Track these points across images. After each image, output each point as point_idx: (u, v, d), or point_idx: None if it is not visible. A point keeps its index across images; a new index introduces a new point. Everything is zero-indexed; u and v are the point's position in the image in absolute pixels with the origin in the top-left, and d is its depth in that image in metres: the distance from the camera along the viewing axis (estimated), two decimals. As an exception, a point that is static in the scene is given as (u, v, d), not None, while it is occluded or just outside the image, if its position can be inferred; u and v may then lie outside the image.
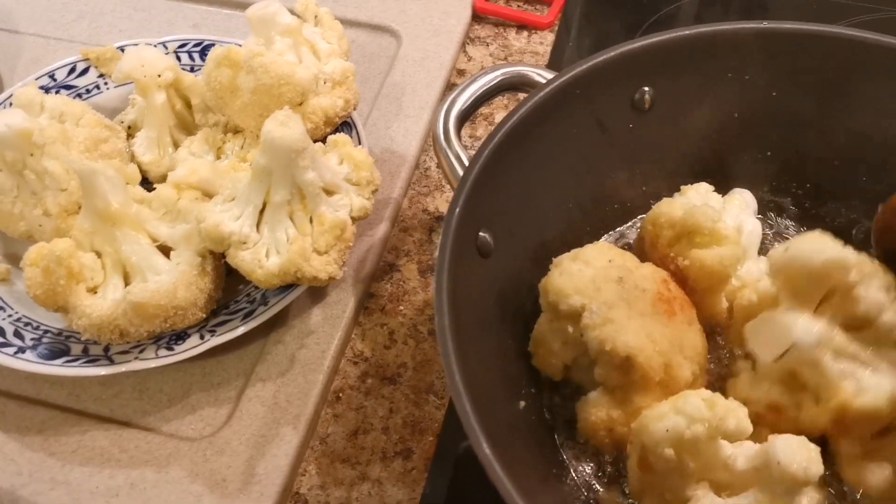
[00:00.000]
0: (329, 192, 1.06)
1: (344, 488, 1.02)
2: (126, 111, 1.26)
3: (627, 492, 0.92)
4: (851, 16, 1.47)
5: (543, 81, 1.03)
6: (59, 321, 1.06)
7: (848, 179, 1.11)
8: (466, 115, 1.05)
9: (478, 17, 1.53)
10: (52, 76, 1.27)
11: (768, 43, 1.06)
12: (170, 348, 1.03)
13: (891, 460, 0.88)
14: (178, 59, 1.29)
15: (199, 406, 1.06)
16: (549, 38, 1.49)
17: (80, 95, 1.27)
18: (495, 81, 1.07)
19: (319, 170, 1.03)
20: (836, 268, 0.85)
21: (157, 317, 0.99)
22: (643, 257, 1.01)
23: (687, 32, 1.05)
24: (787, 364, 0.88)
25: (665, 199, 1.02)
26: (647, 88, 1.06)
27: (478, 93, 1.06)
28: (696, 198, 1.05)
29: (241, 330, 1.04)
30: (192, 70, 1.28)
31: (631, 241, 1.12)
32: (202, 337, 1.04)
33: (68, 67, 1.29)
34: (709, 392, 0.84)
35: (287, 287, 1.07)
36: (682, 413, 0.81)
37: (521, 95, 1.04)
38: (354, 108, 1.20)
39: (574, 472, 0.95)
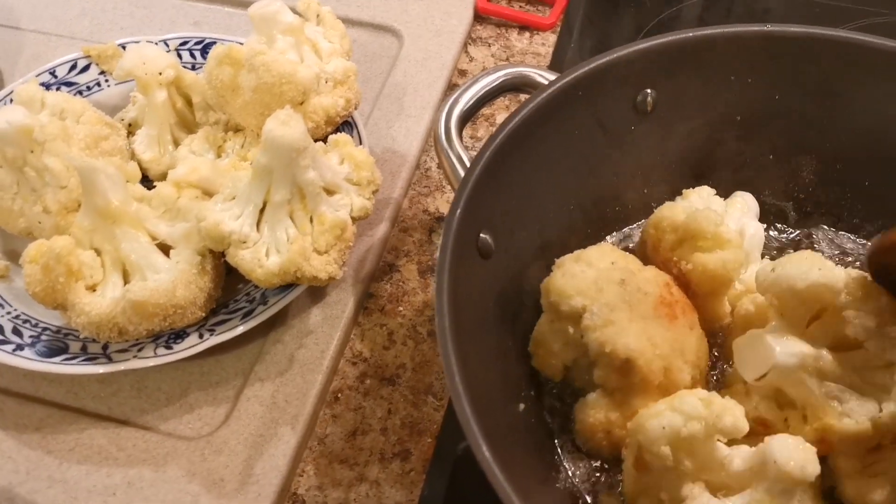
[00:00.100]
0: (329, 192, 1.06)
1: (342, 489, 1.01)
2: (127, 109, 1.26)
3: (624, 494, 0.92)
4: (854, 19, 1.46)
5: (545, 83, 1.03)
6: (57, 319, 1.06)
7: (850, 183, 1.11)
8: (468, 116, 1.05)
9: (480, 17, 1.53)
10: (52, 73, 1.27)
11: (771, 46, 1.05)
12: (168, 347, 1.03)
13: (889, 475, 0.87)
14: (180, 56, 1.29)
15: (197, 405, 1.06)
16: (550, 39, 1.49)
17: (80, 92, 1.26)
18: (497, 82, 1.07)
19: (320, 169, 1.03)
20: (823, 291, 0.85)
21: (156, 315, 0.99)
22: (646, 261, 1.00)
23: (689, 35, 1.04)
24: (773, 383, 0.88)
25: (667, 203, 1.02)
26: (649, 91, 1.06)
27: (480, 94, 1.06)
28: (699, 201, 1.05)
29: (240, 329, 1.04)
30: (193, 68, 1.28)
31: (633, 244, 1.11)
32: (201, 336, 1.04)
33: (69, 64, 1.28)
34: (705, 391, 0.84)
35: (286, 287, 1.06)
36: (678, 411, 0.81)
37: (523, 96, 1.04)
38: (356, 108, 1.20)
39: (572, 474, 0.95)
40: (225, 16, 1.50)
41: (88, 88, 1.27)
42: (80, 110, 1.15)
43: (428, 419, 1.07)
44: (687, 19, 1.52)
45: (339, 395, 1.09)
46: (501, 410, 0.92)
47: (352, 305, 1.14)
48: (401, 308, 1.16)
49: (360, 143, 1.18)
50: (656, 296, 0.94)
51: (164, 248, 1.05)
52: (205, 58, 1.28)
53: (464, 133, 1.04)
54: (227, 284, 1.09)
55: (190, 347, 1.03)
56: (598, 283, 0.93)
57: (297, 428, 1.03)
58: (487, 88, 1.06)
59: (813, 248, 1.11)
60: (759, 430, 0.88)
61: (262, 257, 1.01)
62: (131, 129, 1.24)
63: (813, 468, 0.78)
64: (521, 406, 0.96)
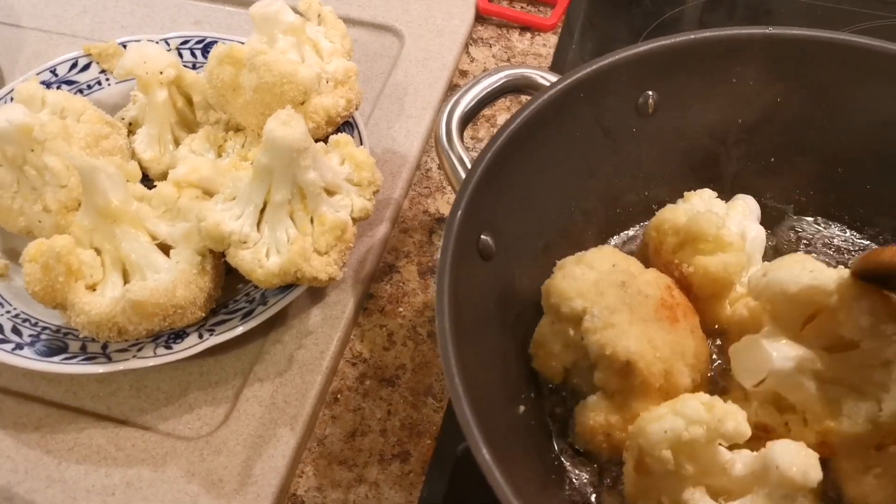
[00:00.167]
0: (330, 193, 1.06)
1: (341, 490, 1.01)
2: (127, 108, 1.26)
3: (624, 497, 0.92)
4: (856, 22, 1.46)
5: (547, 84, 1.03)
6: (57, 318, 1.06)
7: (851, 186, 1.11)
8: (469, 118, 1.05)
9: (481, 17, 1.52)
10: (53, 71, 1.27)
11: (772, 48, 1.05)
12: (168, 347, 1.03)
13: (892, 474, 0.87)
14: (181, 55, 1.29)
15: (196, 405, 1.05)
16: (552, 40, 1.49)
17: (81, 91, 1.26)
18: (499, 83, 1.06)
19: (321, 170, 1.03)
20: (815, 294, 0.85)
21: (156, 315, 0.99)
22: (647, 263, 1.00)
23: (692, 37, 1.04)
24: (771, 388, 0.88)
25: (669, 206, 1.02)
26: (650, 93, 1.06)
27: (481, 95, 1.05)
28: (700, 204, 1.05)
29: (239, 330, 1.04)
30: (193, 67, 1.28)
31: (634, 246, 1.11)
32: (201, 336, 1.04)
33: (70, 63, 1.28)
34: (707, 395, 0.84)
35: (286, 287, 1.06)
36: (680, 415, 0.81)
37: (524, 98, 1.04)
38: (356, 108, 1.19)
39: (572, 477, 0.95)
40: (226, 15, 1.50)
41: (89, 87, 1.27)
42: (80, 109, 1.15)
43: (427, 420, 1.06)
44: (688, 21, 1.52)
45: (339, 395, 1.09)
46: (501, 412, 0.92)
47: (352, 306, 1.14)
48: (401, 309, 1.16)
49: (361, 144, 1.18)
50: (657, 298, 0.94)
51: (165, 248, 1.04)
52: (206, 57, 1.27)
53: (465, 134, 1.04)
54: (227, 284, 1.09)
55: (189, 347, 1.03)
56: (599, 286, 0.93)
57: (297, 429, 1.03)
58: (489, 90, 1.06)
59: (814, 251, 1.11)
60: (760, 436, 0.88)
61: (263, 258, 1.01)
62: (132, 128, 1.23)
63: (815, 474, 0.78)
64: (522, 408, 0.95)
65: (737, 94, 1.08)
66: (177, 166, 1.13)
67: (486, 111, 1.35)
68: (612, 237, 1.12)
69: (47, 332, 1.05)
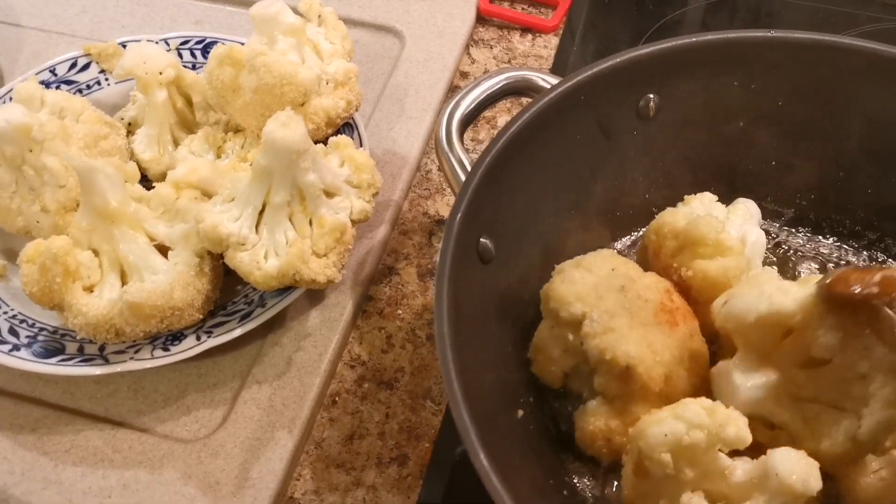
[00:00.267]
0: (329, 195, 1.05)
1: (338, 494, 1.01)
2: (127, 108, 1.25)
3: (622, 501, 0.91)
4: (858, 25, 1.46)
5: (548, 86, 1.02)
6: (54, 319, 1.05)
7: (852, 190, 1.11)
8: (469, 120, 1.05)
9: (482, 19, 1.52)
10: (52, 71, 1.27)
11: (774, 52, 1.05)
12: (166, 349, 1.02)
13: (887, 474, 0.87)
14: (180, 56, 1.29)
15: (194, 407, 1.05)
16: (553, 41, 1.48)
17: (80, 91, 1.26)
18: (499, 86, 1.06)
19: (320, 171, 1.03)
20: (777, 318, 0.84)
21: (154, 317, 0.99)
22: (646, 267, 1.00)
23: (693, 40, 1.04)
24: (751, 411, 0.87)
25: (669, 209, 1.02)
26: (651, 95, 1.06)
27: (481, 97, 1.05)
28: (700, 207, 1.05)
29: (237, 332, 1.04)
30: (193, 67, 1.27)
31: (634, 250, 1.11)
32: (198, 338, 1.03)
33: (69, 62, 1.28)
34: (709, 400, 0.84)
35: (285, 289, 1.06)
36: (681, 419, 0.81)
37: (525, 99, 1.04)
38: (356, 110, 1.19)
39: (571, 481, 0.94)
40: (227, 15, 1.50)
41: (88, 87, 1.27)
42: (79, 109, 1.15)
43: (426, 424, 1.06)
44: (690, 23, 1.52)
45: (337, 398, 1.08)
46: (500, 417, 0.91)
47: (350, 308, 1.13)
48: (400, 311, 1.16)
49: (361, 145, 1.18)
50: (657, 303, 0.93)
51: (163, 249, 1.04)
52: (206, 57, 1.27)
53: (465, 136, 1.03)
54: (226, 286, 1.09)
55: (187, 349, 1.02)
56: (599, 290, 0.92)
57: (294, 431, 1.03)
58: (489, 92, 1.06)
59: (815, 254, 1.11)
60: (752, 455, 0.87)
61: (261, 260, 1.01)
62: (131, 128, 1.23)
63: (815, 482, 0.78)
64: (520, 412, 0.95)
65: (738, 97, 1.07)
66: (176, 167, 1.12)
67: (487, 113, 1.34)
68: (612, 241, 1.12)
69: (44, 333, 1.05)
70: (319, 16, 1.21)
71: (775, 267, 1.09)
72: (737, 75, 1.06)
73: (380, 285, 1.19)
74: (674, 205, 1.06)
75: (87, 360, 1.02)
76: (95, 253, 1.02)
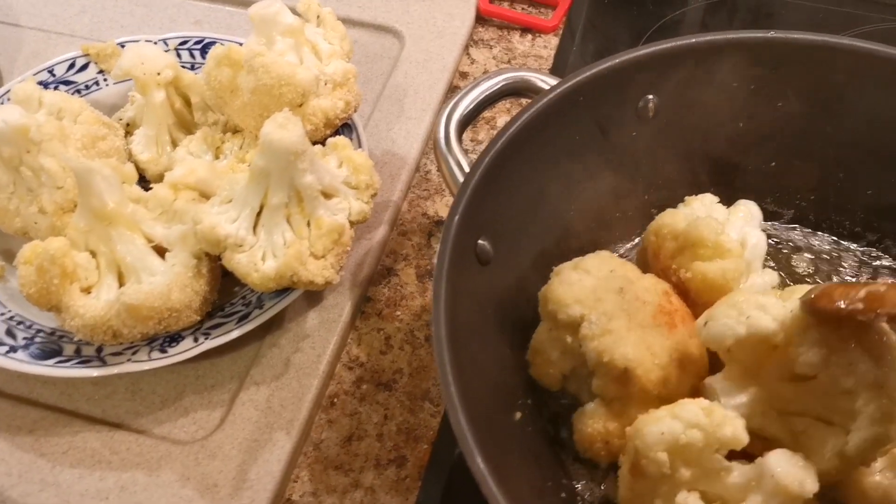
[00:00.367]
0: (327, 196, 1.05)
1: (336, 495, 1.01)
2: (125, 108, 1.25)
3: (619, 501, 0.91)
4: (858, 25, 1.46)
5: (547, 87, 1.02)
6: (52, 320, 1.05)
7: (852, 191, 1.11)
8: (468, 121, 1.04)
9: (482, 19, 1.52)
10: (51, 71, 1.26)
11: (774, 52, 1.05)
12: (163, 350, 1.02)
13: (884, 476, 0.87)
14: (179, 56, 1.28)
15: (192, 409, 1.05)
16: (553, 41, 1.48)
17: (79, 91, 1.26)
18: (498, 86, 1.06)
19: (318, 173, 1.02)
20: (758, 338, 0.84)
21: (151, 319, 0.98)
22: (645, 268, 1.00)
23: (692, 41, 1.04)
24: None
25: (668, 211, 1.01)
26: (650, 96, 1.05)
27: (480, 98, 1.05)
28: (701, 209, 1.04)
29: (235, 333, 1.03)
30: (192, 68, 1.27)
31: (633, 251, 1.11)
32: (196, 339, 1.03)
33: (68, 63, 1.28)
34: (707, 401, 0.83)
35: (283, 290, 1.06)
36: (678, 418, 0.81)
37: (525, 100, 1.03)
38: (355, 110, 1.19)
39: (570, 484, 0.94)
40: (226, 15, 1.50)
41: (87, 87, 1.27)
42: (77, 110, 1.14)
43: (424, 425, 1.06)
44: (690, 23, 1.52)
45: (335, 399, 1.08)
46: (498, 419, 0.91)
47: (349, 309, 1.13)
48: (398, 312, 1.16)
49: (360, 146, 1.18)
50: (655, 304, 0.93)
51: (160, 251, 1.04)
52: (204, 57, 1.27)
53: (464, 136, 1.03)
54: (224, 287, 1.09)
55: (185, 351, 1.02)
56: (597, 292, 0.92)
57: (292, 433, 1.03)
58: (488, 93, 1.06)
59: (815, 257, 1.10)
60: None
61: (259, 261, 1.00)
62: (129, 128, 1.23)
63: (812, 485, 0.78)
64: (518, 414, 0.95)
65: (737, 98, 1.07)
66: (174, 167, 1.12)
67: (487, 113, 1.34)
68: (611, 242, 1.12)
69: (42, 334, 1.05)
70: (318, 16, 1.21)
71: (775, 269, 1.08)
72: (736, 76, 1.06)
73: (378, 286, 1.18)
74: (673, 206, 1.06)
75: (85, 362, 1.02)
76: (93, 254, 1.02)
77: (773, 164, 1.11)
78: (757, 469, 0.81)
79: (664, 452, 0.80)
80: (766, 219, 1.11)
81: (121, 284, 1.02)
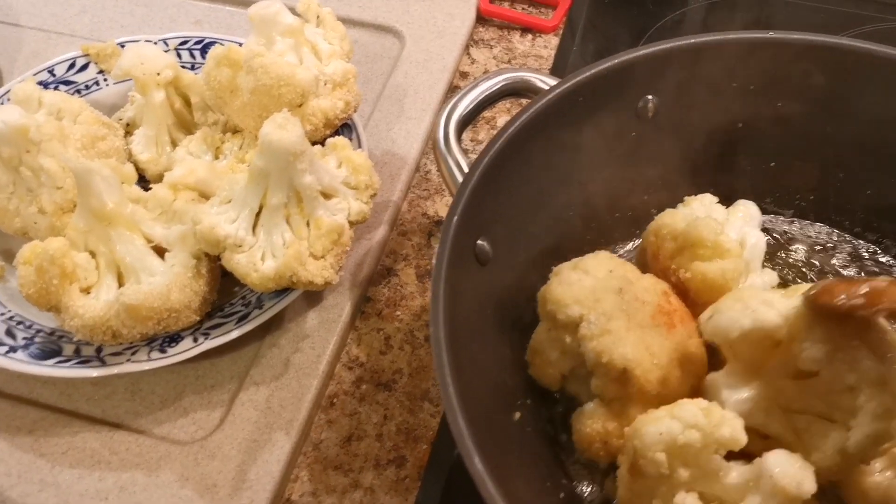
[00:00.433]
0: (327, 196, 1.05)
1: (336, 496, 1.01)
2: (125, 108, 1.26)
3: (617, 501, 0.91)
4: (857, 25, 1.45)
5: (546, 88, 1.02)
6: (51, 320, 1.05)
7: (851, 191, 1.11)
8: (468, 121, 1.04)
9: (482, 19, 1.52)
10: (51, 71, 1.26)
11: (773, 53, 1.04)
12: (163, 351, 1.02)
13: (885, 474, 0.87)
14: (179, 56, 1.28)
15: (191, 409, 1.05)
16: (553, 41, 1.48)
17: (79, 91, 1.26)
18: (497, 87, 1.06)
19: (317, 173, 1.02)
20: (763, 332, 0.84)
21: (150, 319, 0.98)
22: (645, 268, 1.00)
23: (691, 41, 1.04)
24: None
25: (668, 211, 1.01)
26: (650, 97, 1.05)
27: (479, 98, 1.05)
28: (700, 209, 1.04)
29: (235, 333, 1.03)
30: (192, 68, 1.27)
31: (633, 252, 1.11)
32: (196, 340, 1.03)
33: (68, 63, 1.28)
34: (706, 401, 0.83)
35: (283, 291, 1.06)
36: (677, 418, 0.81)
37: (525, 100, 1.03)
38: (355, 111, 1.19)
39: (569, 484, 0.94)
40: (226, 15, 1.50)
41: (87, 87, 1.27)
42: (77, 110, 1.15)
43: (424, 425, 1.06)
44: (690, 23, 1.51)
45: (335, 399, 1.08)
46: (497, 420, 0.91)
47: (349, 309, 1.13)
48: (398, 312, 1.16)
49: (360, 146, 1.18)
50: (654, 305, 0.93)
51: (160, 251, 1.04)
52: (204, 57, 1.27)
53: (465, 136, 1.04)
54: (223, 287, 1.09)
55: (184, 351, 1.02)
56: (596, 292, 0.92)
57: (292, 433, 1.03)
58: (487, 93, 1.06)
59: (814, 257, 1.10)
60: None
61: (258, 262, 1.01)
62: (129, 128, 1.23)
63: (809, 486, 0.78)
64: (518, 415, 0.95)
65: (737, 99, 1.07)
66: (173, 168, 1.12)
67: (487, 113, 1.34)
68: (611, 243, 1.12)
69: (41, 334, 1.05)
70: (318, 16, 1.21)
71: (775, 270, 1.08)
72: (735, 76, 1.06)
73: (378, 286, 1.18)
74: (673, 206, 1.06)
75: (84, 362, 1.02)
76: (92, 254, 1.02)
77: (773, 164, 1.11)
78: (755, 469, 0.81)
79: (662, 453, 0.80)
80: (765, 218, 1.10)
81: (120, 285, 1.02)
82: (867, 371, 0.79)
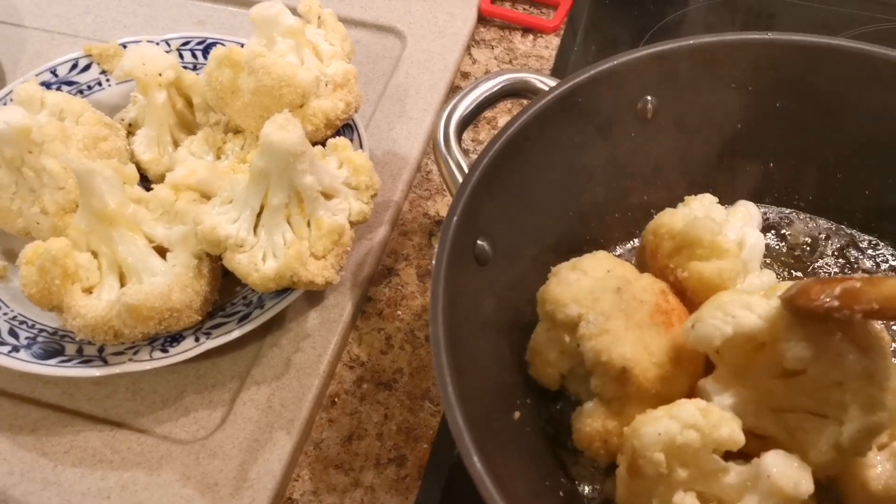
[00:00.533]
0: (328, 196, 1.05)
1: (336, 494, 1.01)
2: (127, 108, 1.26)
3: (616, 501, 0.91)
4: (857, 25, 1.45)
5: (546, 88, 1.02)
6: (54, 320, 1.06)
7: (850, 192, 1.11)
8: (468, 122, 1.05)
9: (483, 19, 1.52)
10: (53, 72, 1.27)
11: (771, 54, 1.05)
12: (164, 350, 1.03)
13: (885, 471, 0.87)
14: (181, 56, 1.29)
15: (192, 408, 1.05)
16: (554, 42, 1.48)
17: (81, 92, 1.26)
18: (497, 87, 1.06)
19: (318, 174, 1.03)
20: (744, 339, 0.84)
21: (152, 319, 0.99)
22: (643, 267, 1.00)
23: (690, 42, 1.04)
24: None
25: (667, 210, 1.02)
26: (649, 98, 1.05)
27: (479, 99, 1.05)
28: (700, 209, 1.04)
29: (236, 333, 1.04)
30: (194, 68, 1.28)
31: (633, 252, 1.11)
32: (197, 339, 1.04)
33: (70, 63, 1.28)
34: (704, 401, 0.84)
35: (284, 290, 1.06)
36: (675, 418, 0.81)
37: (525, 100, 1.04)
38: (356, 111, 1.19)
39: (568, 483, 0.95)
40: (228, 15, 1.50)
41: (89, 88, 1.27)
42: (79, 111, 1.15)
43: (424, 425, 1.06)
44: (691, 23, 1.52)
45: (336, 399, 1.09)
46: (496, 419, 0.91)
47: (350, 309, 1.14)
48: (399, 312, 1.16)
49: (361, 146, 1.18)
50: (652, 304, 0.93)
51: (161, 251, 1.04)
52: (206, 58, 1.27)
53: (466, 136, 1.04)
54: (224, 287, 1.09)
55: (186, 351, 1.03)
56: (594, 292, 0.92)
57: (293, 432, 1.03)
58: (487, 94, 1.06)
59: (812, 256, 1.11)
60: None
61: (259, 262, 1.01)
62: (131, 129, 1.24)
63: (807, 486, 0.78)
64: (517, 414, 0.95)
65: (736, 99, 1.07)
66: (175, 168, 1.13)
67: (488, 113, 1.35)
68: (610, 243, 1.12)
69: (44, 334, 1.05)
70: (319, 17, 1.21)
71: (772, 270, 1.09)
72: (734, 77, 1.06)
73: (379, 286, 1.19)
74: (672, 206, 1.06)
75: (87, 362, 1.02)
76: (94, 255, 1.03)
77: (772, 164, 1.12)
78: (753, 470, 0.81)
79: (661, 453, 0.81)
80: (763, 219, 1.11)
81: (122, 285, 1.02)
82: (852, 365, 0.79)
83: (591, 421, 0.92)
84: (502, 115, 1.37)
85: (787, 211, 1.14)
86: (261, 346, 1.10)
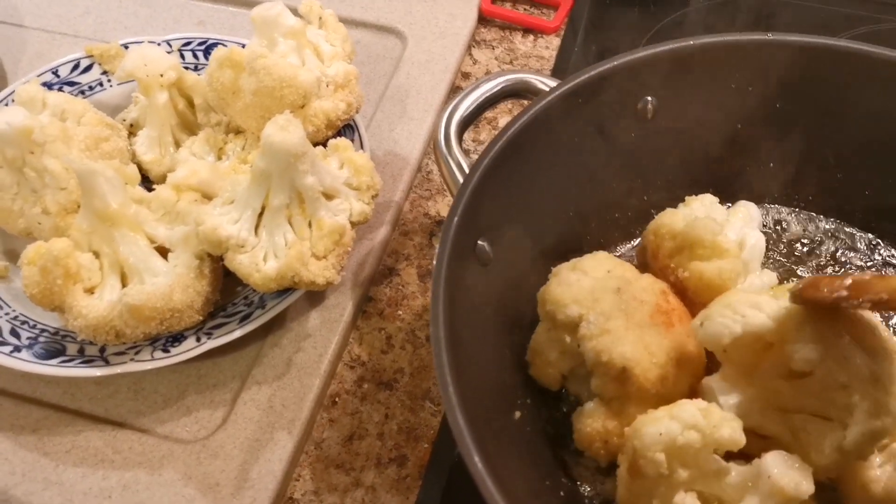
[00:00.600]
0: (329, 197, 1.06)
1: (337, 494, 1.01)
2: (129, 109, 1.26)
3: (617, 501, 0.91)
4: (856, 26, 1.46)
5: (546, 89, 1.03)
6: (55, 320, 1.06)
7: (850, 192, 1.11)
8: (468, 122, 1.05)
9: (484, 19, 1.52)
10: (55, 72, 1.27)
11: (771, 54, 1.05)
12: (166, 350, 1.03)
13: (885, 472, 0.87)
14: (183, 57, 1.29)
15: (194, 408, 1.06)
16: (554, 42, 1.49)
17: (83, 92, 1.26)
18: (498, 88, 1.07)
19: (319, 174, 1.03)
20: (754, 335, 0.84)
21: (153, 319, 0.99)
22: (644, 267, 1.00)
23: (690, 43, 1.04)
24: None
25: (668, 210, 1.02)
26: (649, 98, 1.06)
27: (480, 99, 1.06)
28: (700, 209, 1.05)
29: (237, 333, 1.04)
30: (195, 69, 1.28)
31: (633, 252, 1.11)
32: (198, 339, 1.04)
33: (72, 64, 1.28)
34: (705, 402, 0.84)
35: (285, 290, 1.06)
36: (676, 419, 0.81)
37: (526, 101, 1.04)
38: (357, 112, 1.19)
39: (569, 483, 0.95)
40: (229, 15, 1.50)
41: (91, 88, 1.27)
42: (80, 111, 1.15)
43: (425, 424, 1.06)
44: (691, 24, 1.52)
45: (337, 399, 1.09)
46: (497, 419, 0.92)
47: (350, 309, 1.14)
48: (400, 312, 1.16)
49: (362, 147, 1.18)
50: (653, 304, 0.93)
51: (163, 251, 1.05)
52: (208, 58, 1.28)
53: (466, 137, 1.04)
54: (226, 287, 1.09)
55: (187, 351, 1.03)
56: (595, 292, 0.93)
57: (294, 432, 1.03)
58: (488, 94, 1.06)
59: (812, 256, 1.11)
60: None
61: (260, 262, 1.01)
62: (133, 129, 1.24)
63: (807, 487, 0.78)
64: (518, 414, 0.95)
65: (736, 100, 1.08)
66: (176, 168, 1.13)
67: (489, 114, 1.35)
68: (610, 243, 1.12)
69: (46, 334, 1.06)
70: (320, 18, 1.22)
71: (773, 270, 1.09)
72: (734, 78, 1.06)
73: (380, 286, 1.19)
74: (673, 206, 1.06)
75: (88, 362, 1.02)
76: (96, 255, 1.03)
77: (772, 164, 1.12)
78: (754, 470, 0.81)
79: (662, 453, 0.81)
80: (763, 219, 1.11)
81: (124, 285, 1.02)
82: (859, 368, 0.79)
83: (592, 421, 0.92)
84: (503, 115, 1.37)
85: (787, 211, 1.14)
86: (262, 345, 1.10)
